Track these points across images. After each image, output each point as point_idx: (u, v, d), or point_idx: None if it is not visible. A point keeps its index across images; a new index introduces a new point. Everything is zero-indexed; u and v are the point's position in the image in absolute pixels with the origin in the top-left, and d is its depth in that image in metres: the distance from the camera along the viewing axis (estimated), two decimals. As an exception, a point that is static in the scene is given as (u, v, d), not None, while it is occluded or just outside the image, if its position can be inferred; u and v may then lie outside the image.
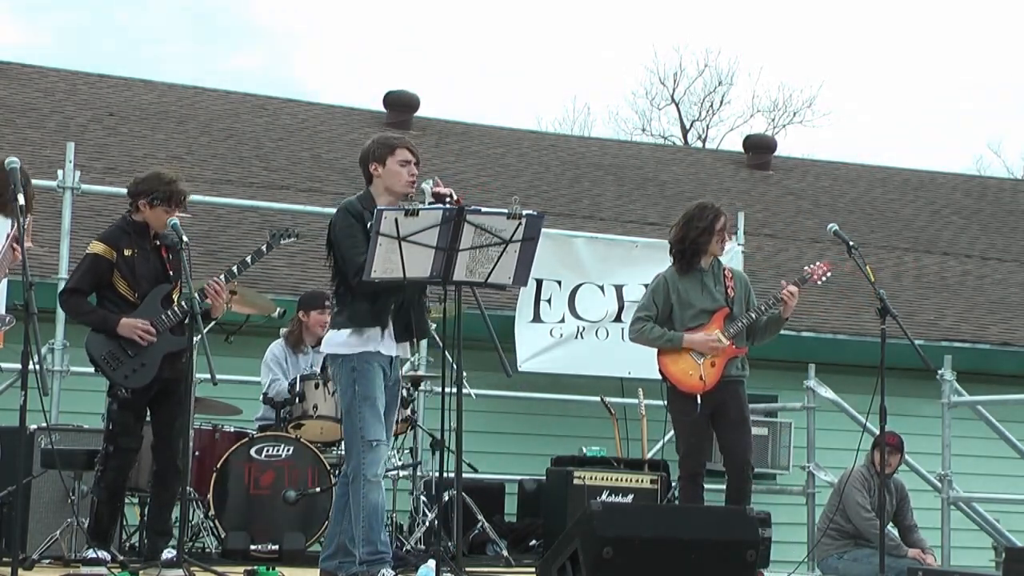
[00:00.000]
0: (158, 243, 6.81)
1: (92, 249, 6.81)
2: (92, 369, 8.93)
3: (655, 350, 7.51)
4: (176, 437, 6.69)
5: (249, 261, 7.07)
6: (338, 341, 6.09)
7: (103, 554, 6.65)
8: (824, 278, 7.63)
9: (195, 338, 6.37)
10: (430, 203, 6.04)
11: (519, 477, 10.20)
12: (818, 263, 7.71)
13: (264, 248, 7.18)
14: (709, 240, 7.41)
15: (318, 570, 6.26)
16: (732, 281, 7.53)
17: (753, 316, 7.44)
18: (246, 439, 8.00)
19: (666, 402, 7.53)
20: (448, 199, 5.96)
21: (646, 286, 10.98)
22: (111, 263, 6.75)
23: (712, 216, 7.43)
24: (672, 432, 11.18)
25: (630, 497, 9.20)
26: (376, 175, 6.21)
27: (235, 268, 7.01)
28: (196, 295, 6.69)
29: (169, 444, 6.72)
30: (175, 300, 6.78)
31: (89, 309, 6.80)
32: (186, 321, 6.60)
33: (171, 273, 6.82)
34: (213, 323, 7.24)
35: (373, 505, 6.03)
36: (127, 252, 6.76)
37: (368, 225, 5.90)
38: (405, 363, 6.25)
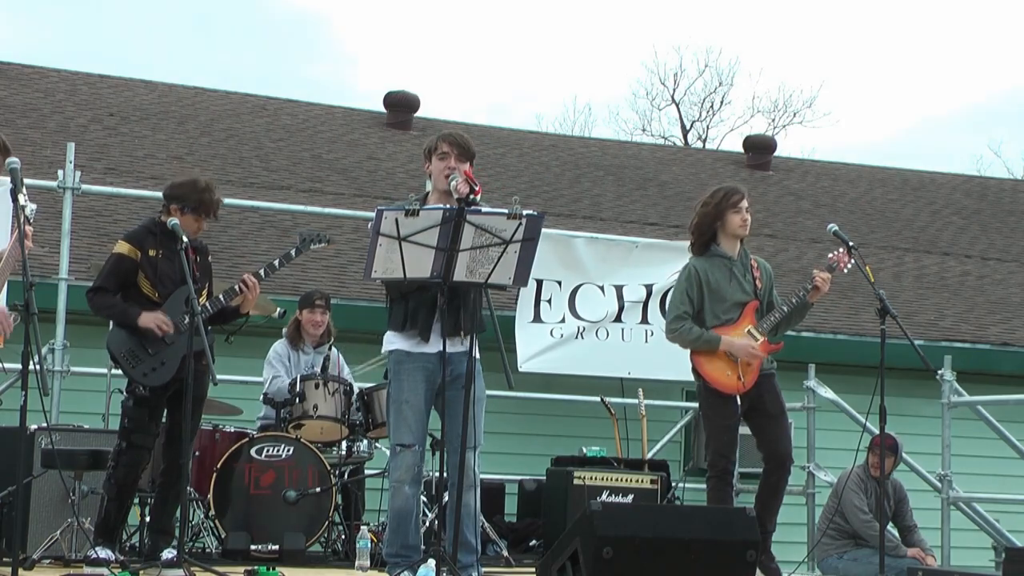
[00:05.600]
0: (185, 245, 6.71)
1: (117, 249, 6.88)
2: (92, 369, 9.00)
3: (681, 351, 7.33)
4: (187, 438, 6.70)
5: (277, 265, 7.04)
6: (385, 341, 6.27)
7: (108, 554, 6.63)
8: (849, 266, 7.39)
9: (198, 336, 6.35)
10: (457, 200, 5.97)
11: (519, 477, 10.20)
12: (840, 250, 7.44)
13: (293, 252, 7.13)
14: (722, 215, 7.20)
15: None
16: (759, 271, 7.33)
17: (785, 309, 7.24)
18: (246, 439, 8.00)
19: (698, 402, 7.37)
20: (469, 195, 5.91)
21: (646, 286, 11.14)
22: (135, 263, 6.79)
23: (723, 193, 7.27)
24: (672, 433, 11.35)
25: (630, 497, 9.21)
26: (429, 173, 6.33)
27: (262, 271, 7.00)
28: (222, 294, 6.76)
29: (180, 444, 6.72)
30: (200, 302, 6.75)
31: (112, 303, 6.84)
32: (187, 321, 6.59)
33: (198, 275, 6.83)
34: (245, 320, 7.19)
35: (396, 509, 6.14)
36: (151, 252, 6.80)
37: None
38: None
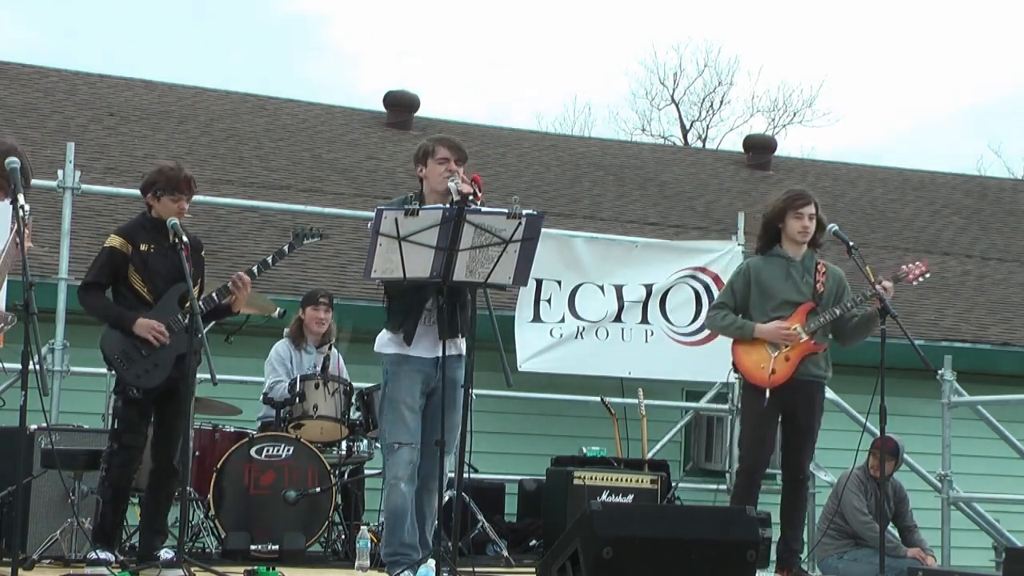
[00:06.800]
0: (177, 240, 6.61)
1: (108, 242, 6.79)
2: (92, 369, 8.98)
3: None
4: (176, 437, 6.68)
5: (270, 262, 6.99)
6: (379, 341, 6.31)
7: (107, 555, 6.62)
8: (921, 279, 7.32)
9: (197, 336, 6.34)
10: (455, 202, 5.97)
11: (519, 477, 10.19)
12: (917, 263, 7.42)
13: (286, 248, 7.06)
14: (782, 217, 7.18)
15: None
16: (824, 276, 7.27)
17: (837, 312, 7.17)
18: (246, 439, 8.00)
19: (739, 395, 7.36)
20: (471, 196, 5.92)
21: (646, 286, 11.14)
22: (126, 256, 6.70)
23: (788, 195, 7.24)
24: (672, 433, 11.34)
25: (630, 497, 9.20)
26: (422, 177, 6.31)
27: (255, 268, 6.95)
28: (214, 292, 6.72)
29: (169, 443, 6.71)
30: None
31: (106, 305, 6.74)
32: (183, 320, 6.59)
33: (193, 270, 6.79)
34: (246, 320, 7.15)
35: (392, 507, 6.14)
36: (143, 247, 6.70)
37: None
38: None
